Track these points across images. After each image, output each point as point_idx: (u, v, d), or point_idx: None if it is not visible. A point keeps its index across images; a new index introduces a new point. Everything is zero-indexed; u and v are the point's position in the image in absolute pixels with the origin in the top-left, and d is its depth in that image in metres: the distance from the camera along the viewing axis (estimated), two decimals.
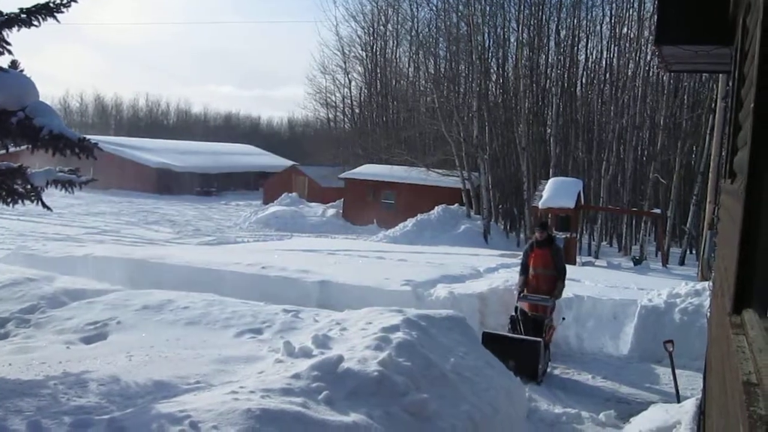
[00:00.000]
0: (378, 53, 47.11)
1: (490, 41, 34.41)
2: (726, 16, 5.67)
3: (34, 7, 6.93)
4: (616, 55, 32.87)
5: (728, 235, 3.60)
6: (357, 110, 49.88)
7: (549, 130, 32.10)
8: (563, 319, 10.63)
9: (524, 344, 8.98)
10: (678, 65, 8.12)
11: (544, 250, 10.03)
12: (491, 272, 13.91)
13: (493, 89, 35.46)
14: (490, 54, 34.68)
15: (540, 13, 33.15)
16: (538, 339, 8.99)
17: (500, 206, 34.29)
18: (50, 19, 7.04)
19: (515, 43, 33.79)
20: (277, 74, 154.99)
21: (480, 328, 10.10)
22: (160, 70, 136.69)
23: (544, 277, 9.96)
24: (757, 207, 2.46)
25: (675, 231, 30.81)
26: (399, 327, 6.97)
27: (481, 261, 16.24)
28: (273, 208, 35.80)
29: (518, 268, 10.55)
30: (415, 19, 42.28)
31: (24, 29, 6.96)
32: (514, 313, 9.81)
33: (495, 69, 35.60)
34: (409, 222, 28.88)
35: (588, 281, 13.17)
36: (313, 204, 40.07)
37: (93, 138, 7.25)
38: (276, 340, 7.23)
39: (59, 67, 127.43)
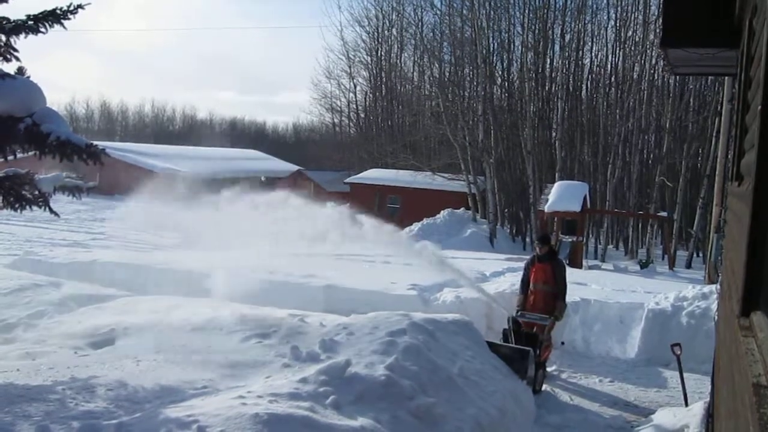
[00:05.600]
0: (383, 58, 47.20)
1: (494, 45, 34.42)
2: (732, 18, 5.66)
3: (41, 14, 6.98)
4: (621, 58, 32.80)
5: (736, 238, 3.59)
6: (362, 115, 49.93)
7: (554, 134, 32.02)
8: (562, 343, 10.41)
9: (513, 353, 8.45)
10: (683, 68, 8.12)
11: (545, 264, 9.53)
12: (497, 276, 13.91)
13: (498, 93, 35.42)
14: (494, 58, 34.66)
15: (545, 17, 33.12)
16: (528, 348, 8.47)
17: (506, 210, 34.22)
18: (57, 26, 7.09)
19: (520, 47, 33.78)
20: (282, 79, 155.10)
21: (487, 332, 10.07)
22: (166, 76, 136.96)
23: (543, 293, 9.47)
24: (765, 209, 2.46)
25: (681, 234, 30.70)
26: (406, 331, 6.97)
27: (487, 265, 16.22)
28: None
29: (522, 273, 10.04)
30: (420, 24, 42.32)
31: (31, 36, 7.01)
32: (507, 326, 9.30)
33: (500, 73, 35.55)
34: (415, 226, 28.85)
35: (594, 285, 13.14)
36: None
37: (99, 144, 7.28)
38: (283, 345, 7.23)
39: (65, 73, 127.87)
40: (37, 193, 7.11)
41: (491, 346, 8.42)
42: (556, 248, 13.42)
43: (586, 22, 33.81)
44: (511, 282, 11.81)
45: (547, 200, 23.07)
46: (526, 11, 32.95)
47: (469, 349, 7.61)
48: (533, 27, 32.94)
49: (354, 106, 50.11)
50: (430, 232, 28.22)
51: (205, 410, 4.87)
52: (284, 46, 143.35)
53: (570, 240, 22.45)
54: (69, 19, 7.09)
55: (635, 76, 31.31)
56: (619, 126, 30.25)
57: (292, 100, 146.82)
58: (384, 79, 47.08)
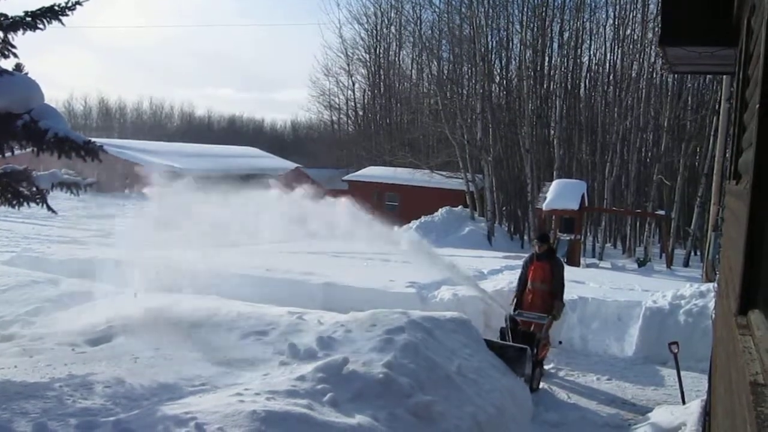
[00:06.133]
0: (381, 55, 47.26)
1: (493, 43, 34.42)
2: (730, 17, 5.67)
3: (39, 10, 6.96)
4: (619, 56, 32.81)
5: (733, 236, 3.59)
6: (360, 112, 49.99)
7: (553, 132, 32.05)
8: (560, 342, 10.44)
9: (510, 351, 8.37)
10: (682, 66, 8.12)
11: (543, 263, 9.44)
12: (495, 274, 13.91)
13: (497, 91, 35.44)
14: (493, 55, 34.67)
15: (543, 15, 33.12)
16: (525, 346, 8.39)
17: (504, 208, 34.25)
18: (55, 22, 7.08)
19: (518, 45, 33.80)
20: (281, 77, 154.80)
21: (484, 330, 10.06)
22: (164, 73, 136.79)
23: (541, 292, 9.38)
24: (763, 208, 2.46)
25: (679, 232, 30.75)
26: (404, 329, 6.97)
27: (485, 263, 16.23)
28: None
29: (520, 271, 9.99)
30: (419, 21, 42.35)
31: (29, 32, 6.99)
32: (504, 324, 9.27)
33: (498, 71, 35.60)
34: (413, 224, 28.87)
35: (592, 283, 13.15)
36: None
37: (97, 141, 7.26)
38: (281, 342, 7.23)
39: (64, 70, 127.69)
40: (34, 189, 7.10)
41: (489, 344, 8.42)
42: (554, 246, 13.40)
43: (585, 20, 33.88)
44: (509, 280, 11.80)
45: (545, 198, 23.07)
46: (525, 9, 33.01)
47: (467, 347, 7.61)
48: (532, 25, 32.99)
49: (352, 103, 50.27)
50: (428, 229, 28.25)
51: (203, 407, 4.86)
52: (283, 43, 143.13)
53: (568, 238, 22.45)
54: (67, 15, 7.08)
55: (633, 75, 31.34)
56: (617, 124, 30.29)
57: (291, 98, 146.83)
58: (382, 77, 47.12)
